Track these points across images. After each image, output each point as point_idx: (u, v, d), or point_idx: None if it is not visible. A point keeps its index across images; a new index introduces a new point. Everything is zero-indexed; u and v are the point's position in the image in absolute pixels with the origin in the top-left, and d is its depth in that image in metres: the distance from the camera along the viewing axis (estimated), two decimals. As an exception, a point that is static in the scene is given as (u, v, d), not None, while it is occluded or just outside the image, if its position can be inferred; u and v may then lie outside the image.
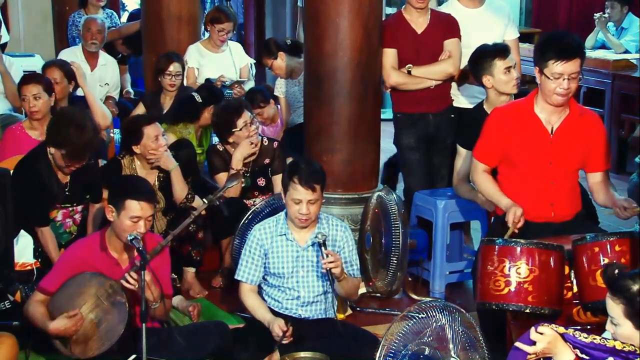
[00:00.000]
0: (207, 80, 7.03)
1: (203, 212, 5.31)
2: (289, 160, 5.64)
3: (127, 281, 4.12)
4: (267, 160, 5.75)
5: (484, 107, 5.35)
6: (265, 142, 5.80)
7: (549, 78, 4.27)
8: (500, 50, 5.35)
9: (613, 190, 4.57)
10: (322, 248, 4.32)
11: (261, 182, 5.74)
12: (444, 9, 6.02)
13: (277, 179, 5.55)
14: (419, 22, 5.73)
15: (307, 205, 4.37)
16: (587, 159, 4.48)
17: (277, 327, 4.30)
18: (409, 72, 5.71)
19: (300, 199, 4.36)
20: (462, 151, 5.26)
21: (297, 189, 4.35)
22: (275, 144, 5.84)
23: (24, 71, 6.86)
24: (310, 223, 4.46)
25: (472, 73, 5.49)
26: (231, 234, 5.47)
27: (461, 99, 5.90)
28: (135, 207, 4.24)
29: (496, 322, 4.12)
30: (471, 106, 5.74)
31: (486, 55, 5.33)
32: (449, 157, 5.77)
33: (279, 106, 7.07)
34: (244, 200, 5.66)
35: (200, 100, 6.29)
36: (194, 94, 6.38)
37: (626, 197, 4.70)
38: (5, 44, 8.64)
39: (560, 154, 4.41)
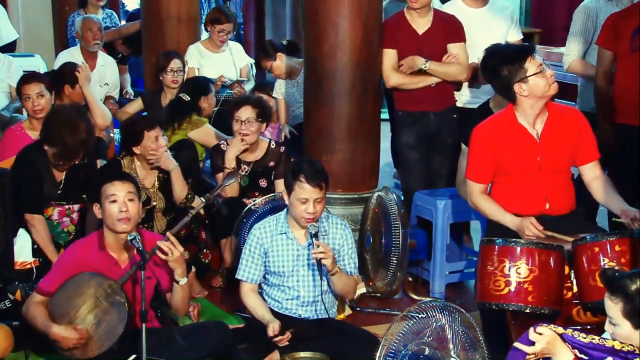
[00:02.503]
0: (201, 77, 7.04)
1: (202, 212, 5.32)
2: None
3: (162, 246, 4.14)
4: (272, 163, 5.74)
5: (490, 105, 5.32)
6: (273, 145, 5.79)
7: (538, 74, 4.30)
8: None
9: (616, 193, 4.56)
10: (314, 239, 4.32)
11: (263, 183, 5.74)
12: (446, 8, 6.00)
13: (280, 183, 5.54)
14: (420, 23, 5.72)
15: (314, 204, 4.37)
16: (576, 153, 4.49)
17: (271, 329, 4.29)
18: (424, 68, 5.67)
19: (307, 197, 4.36)
20: (465, 150, 5.24)
21: (304, 188, 4.35)
22: (282, 149, 5.81)
23: (23, 71, 6.88)
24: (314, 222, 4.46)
25: (483, 70, 5.44)
26: (230, 233, 5.48)
27: (464, 99, 5.89)
28: (108, 188, 4.28)
29: (498, 322, 4.12)
30: (473, 106, 5.76)
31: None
32: (449, 157, 5.77)
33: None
34: (244, 200, 5.67)
35: (188, 98, 6.32)
36: (180, 95, 6.40)
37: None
38: (14, 42, 8.61)
39: (549, 156, 4.43)
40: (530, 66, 4.33)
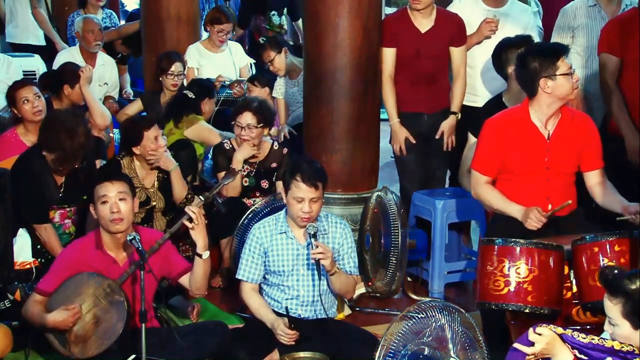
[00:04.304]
0: (207, 80, 7.04)
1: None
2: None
3: (190, 215, 4.21)
4: (274, 164, 5.74)
5: (503, 99, 5.29)
6: (276, 146, 5.79)
7: (566, 75, 4.33)
8: (524, 41, 5.28)
9: (617, 194, 4.57)
10: (312, 239, 4.32)
11: (265, 184, 5.73)
12: (466, 6, 5.94)
13: (280, 184, 5.56)
14: (422, 22, 5.70)
15: (309, 204, 4.37)
16: (582, 159, 4.52)
17: (283, 326, 4.30)
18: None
19: (302, 197, 4.36)
20: (473, 140, 5.22)
21: (300, 187, 4.36)
22: (285, 150, 5.81)
23: (23, 71, 6.87)
24: (311, 222, 4.46)
25: (495, 65, 5.43)
26: (230, 233, 5.48)
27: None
28: (99, 190, 4.30)
29: (498, 322, 4.12)
30: (474, 104, 5.79)
31: (511, 46, 5.28)
32: (445, 159, 5.77)
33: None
34: (245, 200, 5.67)
35: (193, 96, 6.33)
36: (185, 92, 6.41)
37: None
38: (44, 47, 8.49)
39: (556, 158, 4.45)
40: (562, 65, 4.35)
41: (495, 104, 5.30)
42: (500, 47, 5.39)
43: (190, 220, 4.23)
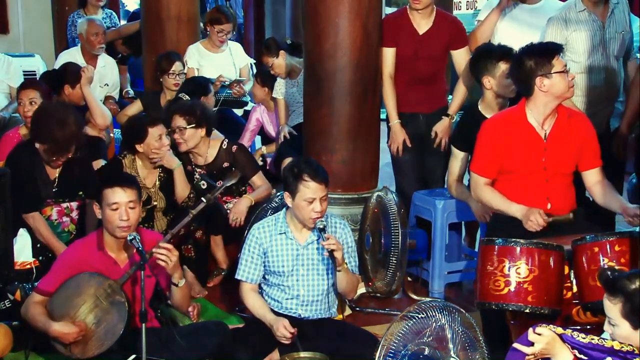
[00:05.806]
0: (201, 77, 7.03)
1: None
2: (288, 160, 5.64)
3: (158, 255, 4.16)
4: (225, 164, 5.68)
5: (479, 107, 5.32)
6: (225, 145, 5.74)
7: (562, 73, 4.35)
8: (505, 53, 5.19)
9: (617, 194, 4.57)
10: (322, 233, 4.31)
11: (220, 184, 5.67)
12: None
13: (256, 181, 5.66)
14: (421, 23, 5.72)
15: (320, 202, 4.36)
16: (580, 158, 4.53)
17: (283, 328, 4.29)
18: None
19: (314, 197, 4.34)
20: (456, 152, 5.26)
21: (310, 187, 4.33)
22: (234, 148, 5.74)
23: (23, 71, 6.87)
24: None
25: (472, 71, 5.40)
26: (217, 232, 5.54)
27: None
28: (110, 195, 4.27)
29: (498, 322, 4.12)
30: None
31: (491, 56, 5.23)
32: (442, 158, 5.78)
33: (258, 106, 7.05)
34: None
35: (188, 99, 6.31)
36: (179, 95, 6.38)
37: (626, 197, 4.71)
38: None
39: (554, 159, 4.47)
40: (557, 64, 4.38)
41: (472, 113, 5.30)
42: (480, 53, 5.34)
43: (163, 260, 4.21)
